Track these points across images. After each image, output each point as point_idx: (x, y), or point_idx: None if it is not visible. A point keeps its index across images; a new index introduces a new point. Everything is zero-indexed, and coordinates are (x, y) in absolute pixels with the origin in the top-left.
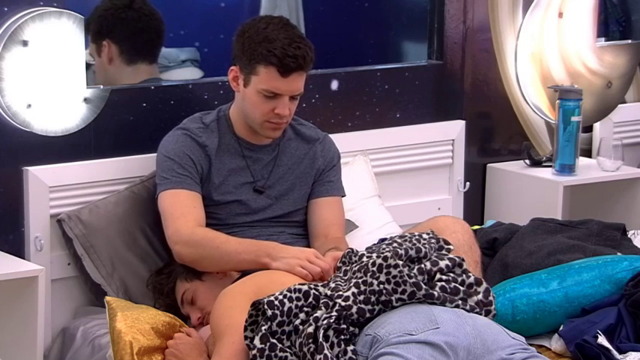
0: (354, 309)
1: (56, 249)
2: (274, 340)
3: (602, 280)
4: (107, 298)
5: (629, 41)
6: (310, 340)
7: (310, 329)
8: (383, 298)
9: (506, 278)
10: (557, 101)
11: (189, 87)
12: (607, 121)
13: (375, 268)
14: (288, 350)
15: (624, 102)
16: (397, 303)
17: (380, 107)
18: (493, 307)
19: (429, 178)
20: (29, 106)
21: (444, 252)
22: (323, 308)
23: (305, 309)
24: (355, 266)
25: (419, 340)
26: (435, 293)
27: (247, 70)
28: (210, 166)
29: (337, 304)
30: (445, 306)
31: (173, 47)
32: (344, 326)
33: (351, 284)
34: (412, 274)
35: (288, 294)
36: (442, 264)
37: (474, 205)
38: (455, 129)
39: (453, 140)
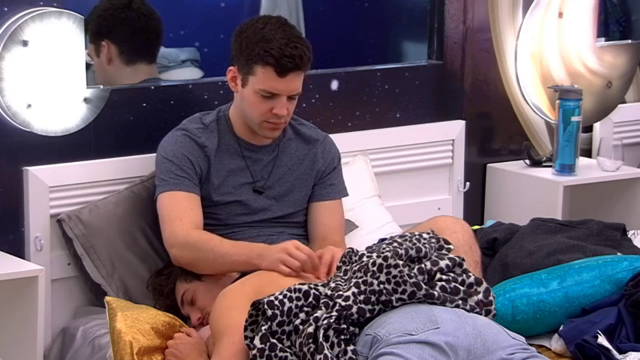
0: (355, 309)
1: (56, 249)
2: (274, 340)
3: (602, 280)
4: (107, 298)
5: (629, 41)
6: (310, 340)
7: (310, 329)
8: (383, 297)
9: (506, 278)
10: (557, 101)
11: (189, 87)
12: (607, 121)
13: (375, 268)
14: (288, 350)
15: (624, 102)
16: (397, 303)
17: (380, 107)
18: (493, 307)
19: (429, 178)
20: (29, 106)
21: (444, 252)
22: (323, 308)
23: (305, 309)
24: (355, 266)
25: (419, 340)
26: (435, 293)
27: (245, 70)
28: (210, 166)
29: (337, 304)
30: (445, 306)
31: (173, 47)
32: (344, 326)
33: (352, 284)
34: (412, 274)
35: (288, 294)
36: (442, 264)
37: (474, 205)
38: (455, 129)
39: (453, 140)
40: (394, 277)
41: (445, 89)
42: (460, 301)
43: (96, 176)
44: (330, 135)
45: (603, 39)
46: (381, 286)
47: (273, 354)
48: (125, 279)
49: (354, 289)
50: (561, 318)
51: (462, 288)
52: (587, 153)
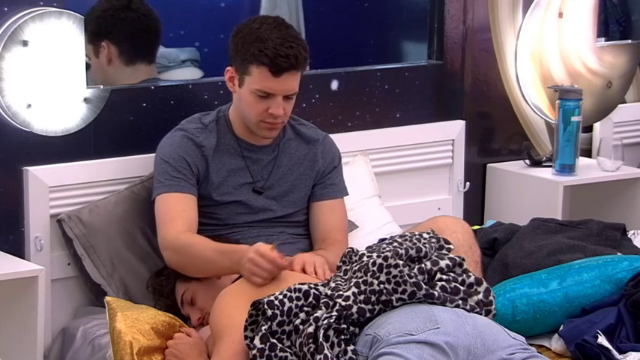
0: (355, 309)
1: (56, 249)
2: (274, 340)
3: (602, 280)
4: (107, 298)
5: (629, 41)
6: (310, 340)
7: (310, 329)
8: (383, 297)
9: (506, 278)
10: (557, 101)
11: (189, 87)
12: (607, 121)
13: (375, 268)
14: (288, 350)
15: (624, 102)
16: (397, 303)
17: (380, 107)
18: (493, 306)
19: (429, 178)
20: (29, 106)
21: (444, 252)
22: (323, 308)
23: (305, 309)
24: (355, 266)
25: (419, 340)
26: (436, 293)
27: (241, 70)
28: (208, 166)
29: (337, 304)
30: (445, 306)
31: (173, 47)
32: (344, 326)
33: (352, 284)
34: (412, 274)
35: (288, 294)
36: (442, 264)
37: (474, 205)
38: (455, 129)
39: (453, 140)
40: (394, 276)
41: (445, 89)
42: (460, 301)
43: (96, 176)
44: (330, 135)
45: (603, 39)
46: (381, 285)
47: (273, 354)
48: (125, 279)
49: (354, 289)
50: (561, 318)
51: (462, 288)
52: (587, 153)
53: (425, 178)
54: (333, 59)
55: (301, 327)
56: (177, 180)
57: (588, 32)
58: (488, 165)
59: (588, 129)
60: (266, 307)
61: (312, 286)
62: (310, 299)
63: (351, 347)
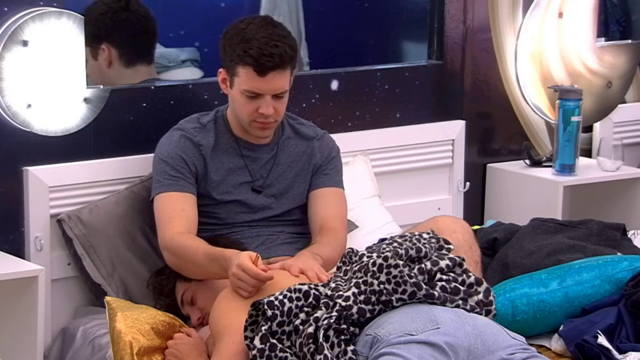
0: (355, 309)
1: (56, 249)
2: (274, 341)
3: (602, 280)
4: (107, 298)
5: (629, 41)
6: (310, 340)
7: (310, 329)
8: (383, 298)
9: (506, 278)
10: (557, 101)
11: (189, 87)
12: (607, 121)
13: (375, 268)
14: (288, 350)
15: (624, 102)
16: (397, 303)
17: (380, 107)
18: (493, 306)
19: (429, 178)
20: (29, 106)
21: (444, 252)
22: (323, 308)
23: (305, 309)
24: (355, 266)
25: (419, 340)
26: (436, 293)
27: (231, 71)
28: (206, 165)
29: (337, 304)
30: (445, 306)
31: (173, 47)
32: (344, 326)
33: (352, 284)
34: (412, 274)
35: (288, 294)
36: (442, 264)
37: (474, 205)
38: (455, 129)
39: (453, 140)
40: (394, 277)
41: (445, 89)
42: (460, 301)
43: (96, 176)
44: (330, 135)
45: (603, 39)
46: (382, 286)
47: (273, 354)
48: (125, 279)
49: (354, 289)
50: (561, 318)
51: (462, 288)
52: (587, 153)
53: (425, 178)
54: (333, 59)
55: (301, 327)
56: (175, 179)
57: (588, 32)
58: (488, 165)
59: (588, 129)
60: (266, 307)
61: (312, 286)
62: (310, 299)
63: (351, 347)
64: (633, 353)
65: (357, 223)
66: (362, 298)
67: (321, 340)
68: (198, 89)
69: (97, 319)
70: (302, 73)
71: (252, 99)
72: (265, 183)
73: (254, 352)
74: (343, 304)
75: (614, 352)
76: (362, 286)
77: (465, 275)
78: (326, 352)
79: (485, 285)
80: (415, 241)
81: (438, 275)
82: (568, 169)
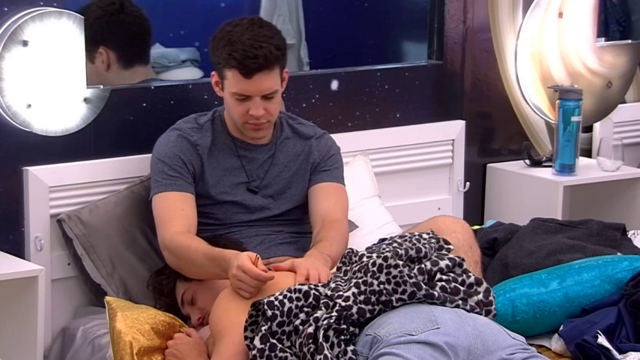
0: (355, 309)
1: (56, 249)
2: (274, 341)
3: (602, 280)
4: (107, 298)
5: (629, 41)
6: (310, 341)
7: (310, 329)
8: (383, 298)
9: (506, 278)
10: (557, 101)
11: (189, 87)
12: (607, 121)
13: (375, 268)
14: (288, 350)
15: (624, 102)
16: (397, 303)
17: (380, 107)
18: (493, 307)
19: (429, 178)
20: (29, 106)
21: (444, 252)
22: (323, 308)
23: (305, 309)
24: (355, 266)
25: (419, 340)
26: (436, 293)
27: (220, 74)
28: (203, 164)
29: (337, 304)
30: (445, 306)
31: (173, 47)
32: (344, 326)
33: (352, 284)
34: (412, 274)
35: (288, 294)
36: (442, 264)
37: (474, 205)
38: (455, 129)
39: (453, 140)
40: (394, 277)
41: (445, 89)
42: (460, 301)
43: (96, 176)
44: (331, 135)
45: (603, 39)
46: (381, 286)
47: (273, 354)
48: (125, 279)
49: (354, 290)
50: (561, 318)
51: (462, 288)
52: (587, 153)
53: (425, 178)
54: (333, 59)
55: (301, 327)
56: (173, 179)
57: (588, 32)
58: (488, 165)
59: (588, 129)
60: (266, 307)
61: (312, 286)
62: (310, 300)
63: (351, 347)
64: (633, 353)
65: (357, 223)
66: (362, 298)
67: (321, 340)
68: (198, 89)
69: (97, 319)
70: (302, 73)
71: (242, 101)
72: (262, 183)
73: (254, 352)
74: (343, 304)
75: (614, 352)
76: (362, 286)
77: (464, 275)
78: (326, 352)
79: (485, 285)
80: (415, 242)
81: (438, 275)
82: (568, 169)
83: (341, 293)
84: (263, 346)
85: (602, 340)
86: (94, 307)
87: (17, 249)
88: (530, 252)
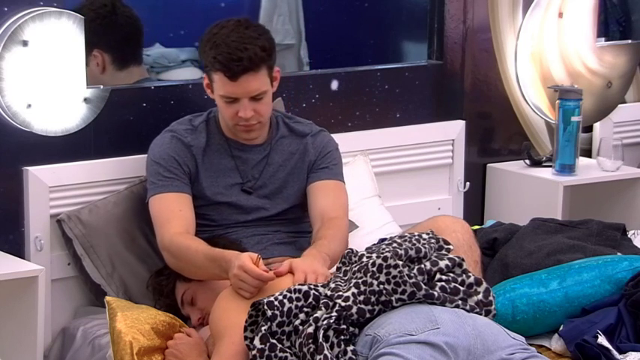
0: (354, 309)
1: (56, 249)
2: (274, 341)
3: (602, 280)
4: (107, 298)
5: (629, 41)
6: (310, 341)
7: (310, 329)
8: (383, 298)
9: (506, 278)
10: (557, 101)
11: (189, 87)
12: (607, 121)
13: (374, 269)
14: (288, 350)
15: (624, 102)
16: (397, 303)
17: (380, 107)
18: (493, 307)
19: (429, 178)
20: (29, 106)
21: (443, 252)
22: (323, 308)
23: (305, 309)
24: (355, 266)
25: (419, 340)
26: (435, 293)
27: (209, 77)
28: (197, 165)
29: (337, 305)
30: (445, 306)
31: (173, 47)
32: (344, 326)
33: (351, 284)
34: (412, 275)
35: (288, 294)
36: (442, 264)
37: (474, 205)
38: (455, 129)
39: (453, 140)
40: (394, 277)
41: (445, 89)
42: (460, 302)
43: (96, 176)
44: (330, 135)
45: (603, 39)
46: (381, 286)
47: (273, 354)
48: (125, 279)
49: (353, 290)
50: (561, 318)
51: (461, 288)
52: (587, 153)
53: (425, 178)
54: (333, 59)
55: (301, 327)
56: (169, 180)
57: (588, 32)
58: (488, 165)
59: (588, 129)
60: (266, 307)
61: (312, 286)
62: (310, 300)
63: (351, 347)
64: (633, 353)
65: (357, 223)
66: (361, 298)
67: (320, 340)
68: (198, 89)
69: (97, 319)
70: (302, 73)
71: (231, 103)
72: (257, 184)
73: (254, 352)
74: (343, 304)
75: (614, 352)
76: (361, 286)
77: (464, 275)
78: (326, 352)
79: (484, 285)
80: (415, 242)
81: (438, 275)
82: (568, 169)
83: (341, 293)
84: (263, 346)
85: (602, 340)
86: (94, 307)
87: (17, 249)
88: (530, 252)
